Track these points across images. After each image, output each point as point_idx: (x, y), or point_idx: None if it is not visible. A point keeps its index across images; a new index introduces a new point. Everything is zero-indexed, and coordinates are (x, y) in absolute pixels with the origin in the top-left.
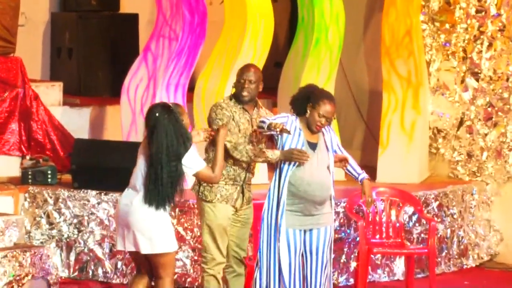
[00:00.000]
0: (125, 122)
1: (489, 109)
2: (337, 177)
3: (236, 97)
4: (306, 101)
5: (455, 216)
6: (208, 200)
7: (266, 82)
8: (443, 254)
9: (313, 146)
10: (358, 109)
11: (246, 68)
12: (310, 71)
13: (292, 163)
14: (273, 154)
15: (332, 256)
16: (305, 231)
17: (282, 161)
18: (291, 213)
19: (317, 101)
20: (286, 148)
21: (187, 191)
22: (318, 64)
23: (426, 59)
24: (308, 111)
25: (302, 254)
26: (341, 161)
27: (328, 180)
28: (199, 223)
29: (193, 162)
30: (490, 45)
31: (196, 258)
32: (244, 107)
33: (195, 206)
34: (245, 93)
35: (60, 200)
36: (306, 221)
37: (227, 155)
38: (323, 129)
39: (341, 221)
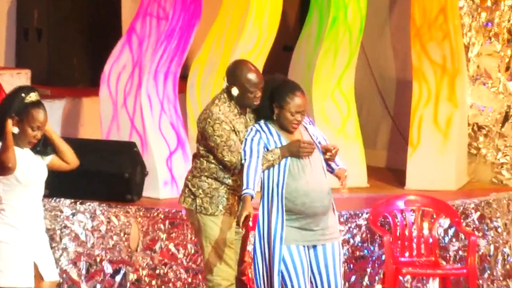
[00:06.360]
0: (104, 117)
1: None
2: (358, 184)
3: (240, 103)
4: (269, 100)
5: (499, 230)
6: (209, 214)
7: (273, 69)
8: (485, 275)
9: None
10: (383, 101)
11: (259, 78)
12: (326, 56)
13: (283, 172)
14: (274, 155)
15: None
16: (308, 248)
17: (270, 175)
18: (290, 228)
19: (283, 97)
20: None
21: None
22: (335, 48)
23: (464, 42)
24: (276, 111)
25: (310, 279)
26: (328, 152)
27: (327, 185)
28: (193, 238)
29: None
30: None
31: (190, 280)
32: (241, 110)
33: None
34: (257, 103)
35: None
36: (308, 236)
37: (227, 169)
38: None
39: (363, 236)
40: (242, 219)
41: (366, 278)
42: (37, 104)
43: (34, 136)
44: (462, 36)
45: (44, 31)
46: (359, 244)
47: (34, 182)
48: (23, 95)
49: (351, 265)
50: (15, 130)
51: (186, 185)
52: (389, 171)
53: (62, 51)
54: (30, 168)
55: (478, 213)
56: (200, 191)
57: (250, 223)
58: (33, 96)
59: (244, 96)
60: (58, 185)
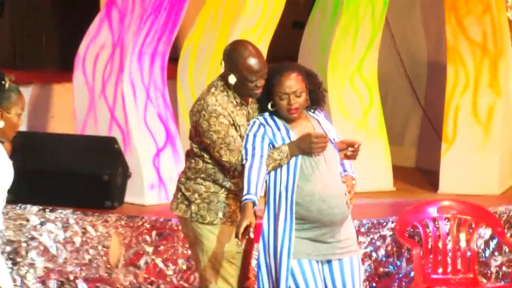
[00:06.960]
0: (79, 108)
1: None
2: (383, 187)
3: (239, 93)
4: (265, 90)
5: None
6: (207, 222)
7: (281, 49)
8: None
9: None
10: (412, 89)
11: (261, 64)
12: (344, 34)
13: (293, 172)
14: (281, 153)
15: None
16: (322, 263)
17: (278, 177)
18: (300, 240)
19: (271, 81)
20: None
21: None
22: (356, 24)
23: (508, 17)
24: (271, 100)
25: None
26: (350, 147)
27: (344, 188)
28: (184, 251)
29: None
30: None
31: None
32: (242, 100)
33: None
34: (258, 93)
35: None
36: (322, 249)
37: (226, 171)
38: (313, 113)
39: (389, 248)
40: (242, 230)
41: None
42: (15, 87)
43: (19, 124)
44: (506, 10)
45: (6, 5)
46: (384, 259)
47: (5, 188)
48: (2, 82)
49: (374, 284)
50: (1, 124)
51: (179, 189)
52: (419, 172)
53: (28, 28)
54: (2, 171)
55: None
56: (196, 195)
57: (252, 235)
58: (8, 79)
59: (243, 85)
60: (24, 189)
